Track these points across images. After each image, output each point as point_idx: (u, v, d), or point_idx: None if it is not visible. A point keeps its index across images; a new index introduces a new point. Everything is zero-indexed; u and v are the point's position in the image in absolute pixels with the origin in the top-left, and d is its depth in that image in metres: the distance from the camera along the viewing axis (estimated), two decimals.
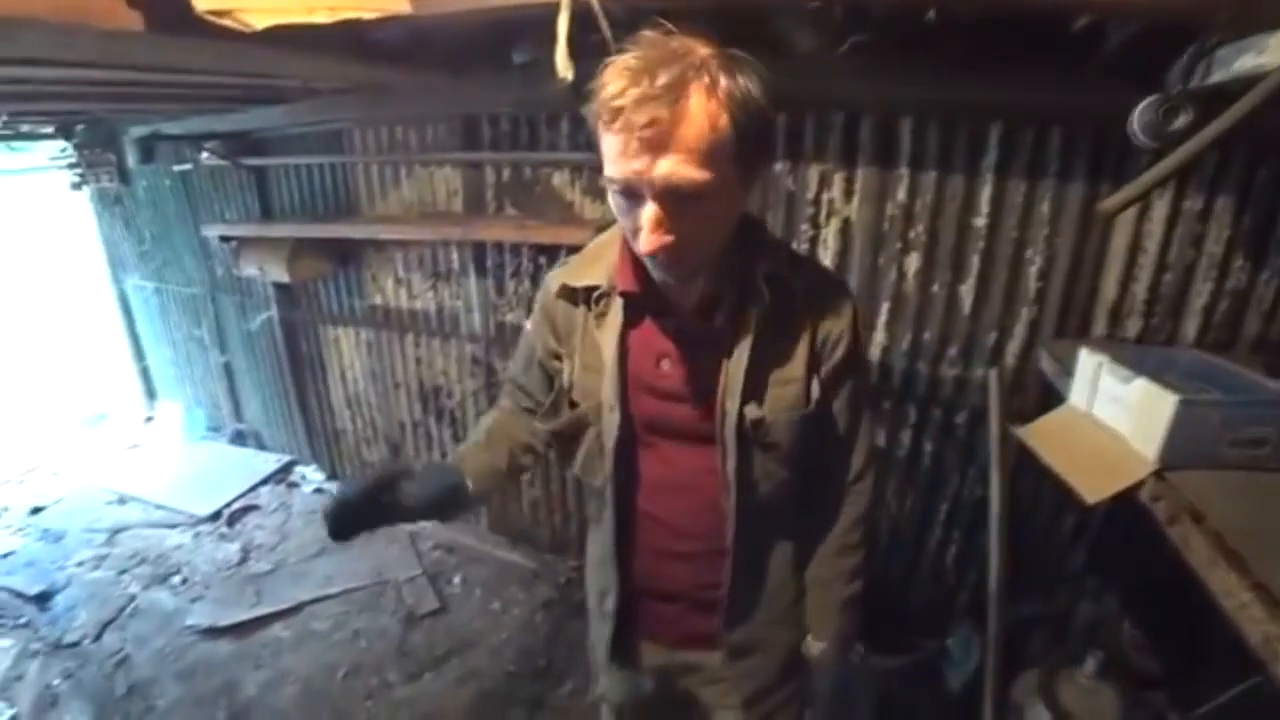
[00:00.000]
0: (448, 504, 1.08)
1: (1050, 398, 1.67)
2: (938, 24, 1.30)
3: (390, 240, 2.71)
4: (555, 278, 1.05)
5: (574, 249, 2.28)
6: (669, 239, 0.77)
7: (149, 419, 4.31)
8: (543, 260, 2.40)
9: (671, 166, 0.73)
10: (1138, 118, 1.18)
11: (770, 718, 1.18)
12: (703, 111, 0.72)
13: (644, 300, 0.95)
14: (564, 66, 1.13)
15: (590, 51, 1.26)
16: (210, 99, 2.43)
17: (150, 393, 4.38)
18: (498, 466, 1.14)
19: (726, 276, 0.91)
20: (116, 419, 4.36)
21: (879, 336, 2.02)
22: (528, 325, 1.15)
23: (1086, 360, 1.41)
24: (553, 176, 2.30)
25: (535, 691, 2.25)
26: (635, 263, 0.93)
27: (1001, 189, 1.79)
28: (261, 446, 3.83)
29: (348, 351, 3.13)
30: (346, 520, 1.01)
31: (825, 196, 1.96)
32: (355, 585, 2.79)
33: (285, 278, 2.82)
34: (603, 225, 2.12)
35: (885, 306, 1.98)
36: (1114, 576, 2.03)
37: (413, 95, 2.25)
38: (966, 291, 1.89)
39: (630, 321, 0.97)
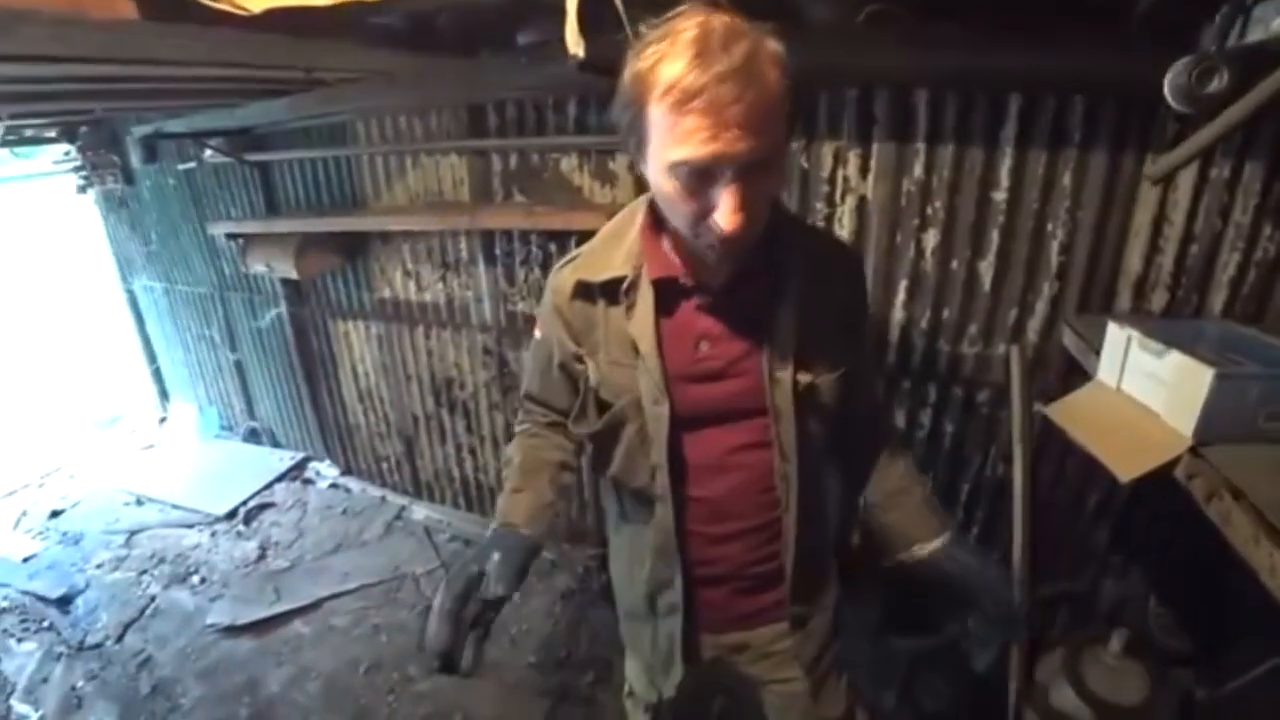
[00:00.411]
0: (526, 568, 1.04)
1: (1074, 374, 1.63)
2: None
3: (397, 232, 2.69)
4: (566, 276, 1.01)
5: (584, 234, 2.25)
6: (745, 216, 0.76)
7: (163, 420, 4.32)
8: (552, 247, 2.37)
9: (761, 140, 0.72)
10: (1171, 80, 1.14)
11: (826, 680, 1.19)
12: (776, 81, 0.73)
13: (677, 285, 0.94)
14: (574, 43, 1.10)
15: (601, 27, 1.23)
16: (211, 94, 2.40)
17: (163, 393, 4.39)
18: (544, 500, 1.11)
19: (761, 248, 0.90)
20: (130, 421, 4.38)
21: (897, 315, 1.98)
22: (536, 334, 1.11)
23: (1115, 334, 1.37)
24: (560, 161, 2.27)
25: (557, 682, 2.25)
26: (667, 247, 0.94)
27: (1022, 161, 1.74)
28: (275, 444, 3.83)
29: (358, 346, 3.12)
30: (456, 657, 0.94)
31: (840, 174, 1.92)
32: (373, 580, 2.80)
33: (293, 274, 2.80)
34: (613, 210, 2.08)
35: (903, 285, 1.94)
36: (1139, 554, 2.00)
37: (416, 83, 2.21)
38: (986, 268, 1.85)
39: (663, 309, 0.94)
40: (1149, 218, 1.71)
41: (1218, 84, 1.12)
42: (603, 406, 1.01)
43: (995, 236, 1.81)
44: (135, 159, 3.29)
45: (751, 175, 0.74)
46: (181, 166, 3.20)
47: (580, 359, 1.02)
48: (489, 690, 2.22)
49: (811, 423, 0.99)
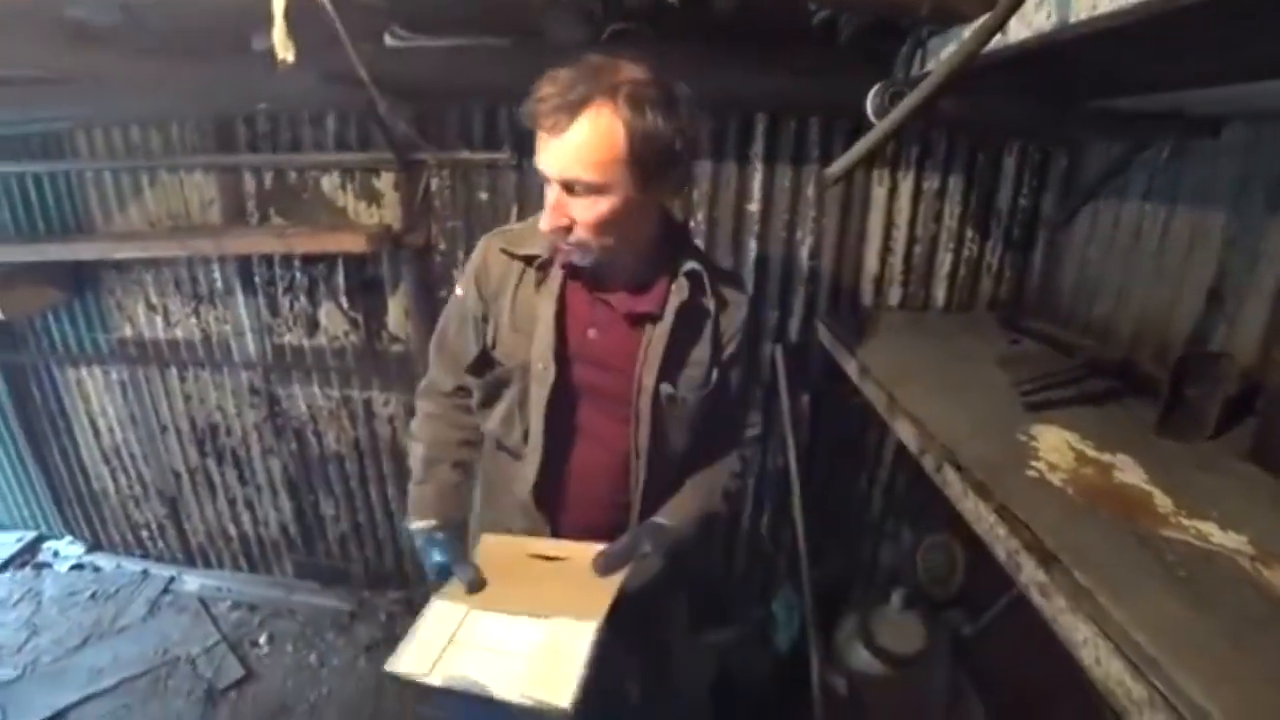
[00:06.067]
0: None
1: (832, 367, 1.79)
2: (686, 12, 1.32)
3: (135, 260, 2.31)
4: (493, 244, 1.15)
5: (351, 258, 2.11)
6: (564, 221, 0.96)
7: None
8: (319, 272, 2.17)
9: (564, 163, 0.92)
10: (870, 102, 1.29)
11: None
12: (596, 127, 0.89)
13: (582, 275, 1.08)
14: (283, 46, 0.99)
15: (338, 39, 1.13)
16: None
17: None
18: (448, 485, 1.23)
19: (652, 268, 1.08)
20: None
21: None
22: (458, 291, 1.21)
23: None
24: (321, 180, 2.08)
25: None
26: None
27: (770, 175, 1.90)
28: None
29: (96, 396, 2.63)
30: None
31: None
32: (135, 672, 2.36)
33: None
34: (375, 231, 1.97)
35: None
36: (905, 520, 2.25)
37: (146, 88, 1.92)
38: (748, 274, 1.97)
39: (567, 291, 1.08)
40: (880, 223, 1.94)
41: None
42: (494, 365, 1.15)
43: (753, 245, 1.95)
44: None
45: (577, 193, 0.93)
46: None
47: (485, 318, 1.16)
48: None
49: (672, 432, 1.15)
